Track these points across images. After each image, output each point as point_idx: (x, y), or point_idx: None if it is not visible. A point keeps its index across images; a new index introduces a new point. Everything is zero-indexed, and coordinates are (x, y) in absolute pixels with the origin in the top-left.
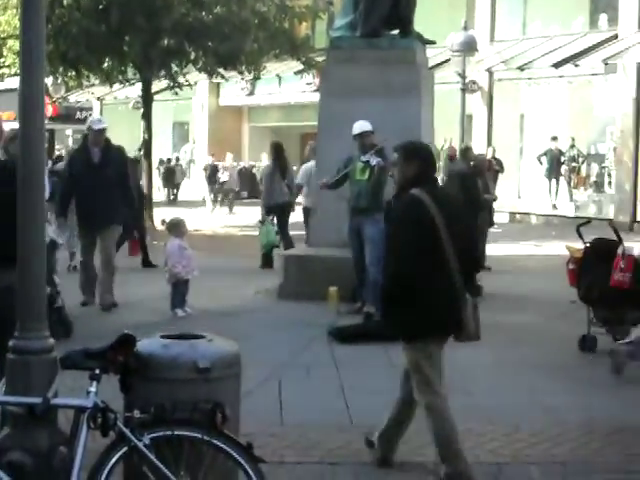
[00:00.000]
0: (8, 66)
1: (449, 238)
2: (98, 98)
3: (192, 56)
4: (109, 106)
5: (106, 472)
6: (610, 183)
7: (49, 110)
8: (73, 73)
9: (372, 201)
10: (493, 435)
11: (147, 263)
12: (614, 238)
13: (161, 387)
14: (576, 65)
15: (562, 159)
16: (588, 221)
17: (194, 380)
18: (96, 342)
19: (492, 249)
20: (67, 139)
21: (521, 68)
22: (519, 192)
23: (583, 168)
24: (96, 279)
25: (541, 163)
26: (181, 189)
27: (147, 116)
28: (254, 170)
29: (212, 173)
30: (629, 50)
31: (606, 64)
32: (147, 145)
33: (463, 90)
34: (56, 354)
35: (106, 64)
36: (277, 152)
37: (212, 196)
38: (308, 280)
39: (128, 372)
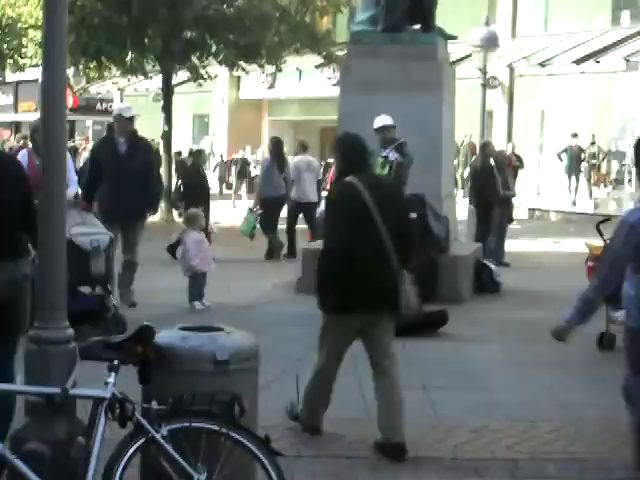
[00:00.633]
0: (30, 57)
1: (382, 221)
2: (119, 89)
3: (213, 49)
4: (129, 98)
5: (123, 463)
6: (630, 180)
7: (70, 101)
8: (94, 64)
9: None
10: (510, 431)
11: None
12: None
13: (179, 379)
14: (597, 62)
15: (582, 156)
16: (608, 218)
17: (212, 372)
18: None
19: (511, 245)
20: (87, 130)
21: (542, 64)
22: (539, 188)
23: (603, 165)
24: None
25: (561, 160)
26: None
27: (167, 108)
28: None
29: (242, 167)
30: None
31: (627, 61)
32: (167, 137)
33: (484, 86)
34: (75, 344)
35: (128, 56)
36: (276, 147)
37: (239, 190)
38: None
39: (147, 363)
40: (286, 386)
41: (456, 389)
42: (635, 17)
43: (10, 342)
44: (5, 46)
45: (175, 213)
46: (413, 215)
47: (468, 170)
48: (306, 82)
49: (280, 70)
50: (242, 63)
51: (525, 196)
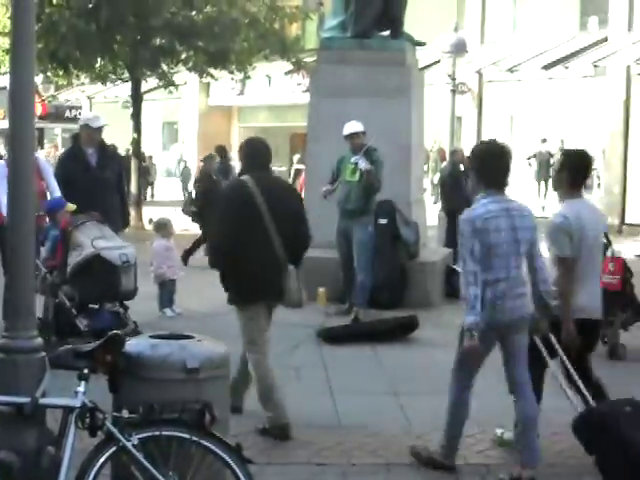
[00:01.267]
0: None
1: (272, 217)
2: (88, 97)
3: (182, 55)
4: (99, 105)
5: (94, 472)
6: (599, 185)
7: (38, 109)
8: (62, 72)
9: (362, 203)
10: (482, 436)
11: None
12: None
13: (150, 387)
14: (566, 67)
15: (551, 161)
16: None
17: (183, 380)
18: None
19: None
20: (56, 138)
21: (511, 70)
22: (508, 194)
23: None
24: None
25: (530, 165)
26: (156, 188)
27: (136, 115)
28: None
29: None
30: (619, 53)
31: (596, 67)
32: (136, 144)
33: (453, 91)
34: (44, 354)
35: (96, 63)
36: (222, 154)
37: None
38: None
39: (117, 372)
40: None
41: (427, 394)
42: (603, 23)
43: None
44: None
45: (145, 221)
46: (383, 221)
47: (438, 176)
48: (276, 88)
49: (249, 77)
50: (211, 70)
51: None
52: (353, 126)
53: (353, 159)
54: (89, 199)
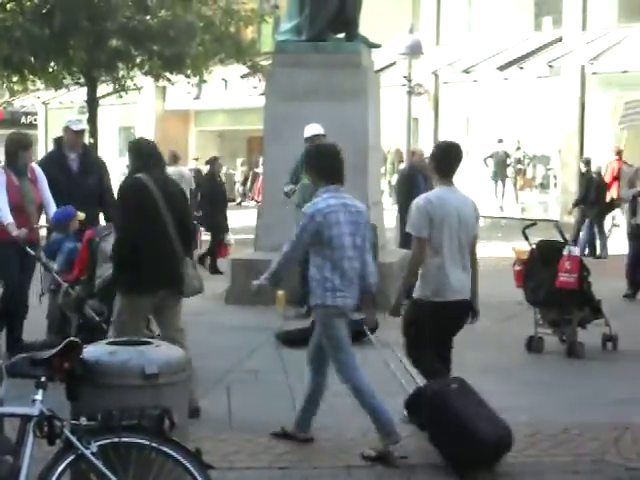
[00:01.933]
0: None
1: (168, 212)
2: (43, 102)
3: (138, 59)
4: (54, 111)
5: None
6: (556, 185)
7: None
8: (17, 77)
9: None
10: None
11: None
12: (559, 239)
13: (108, 394)
14: (521, 68)
15: (508, 161)
16: (534, 223)
17: (141, 386)
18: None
19: None
20: None
21: (466, 71)
22: (466, 194)
23: (529, 170)
24: None
25: (487, 165)
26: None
27: (92, 121)
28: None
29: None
30: (573, 53)
31: (550, 67)
32: (93, 150)
33: (409, 93)
34: (1, 362)
35: (51, 68)
36: (174, 159)
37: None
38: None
39: (74, 379)
40: (217, 398)
41: (387, 395)
42: (557, 23)
43: None
44: None
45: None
46: None
47: (396, 177)
48: (232, 92)
49: (205, 81)
50: (167, 74)
51: None
52: (314, 128)
53: None
54: (60, 201)
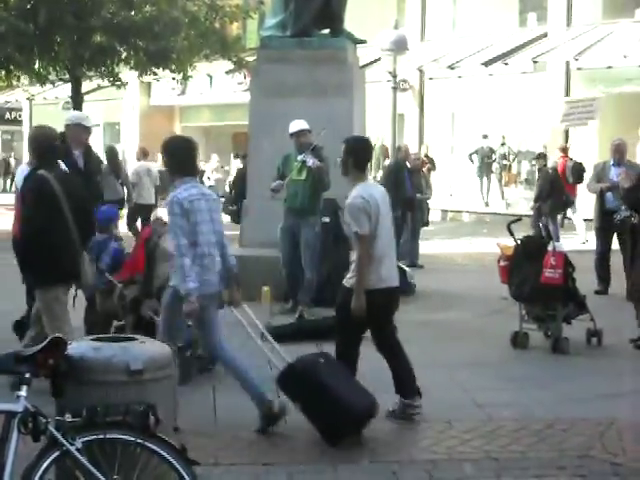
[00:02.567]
0: None
1: (69, 207)
2: (28, 98)
3: (123, 55)
4: (39, 106)
5: (38, 477)
6: None
7: None
8: (2, 73)
9: (309, 202)
10: (427, 433)
11: None
12: (544, 235)
13: (93, 390)
14: (505, 64)
15: (493, 157)
16: (519, 219)
17: (126, 382)
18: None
19: (425, 247)
20: None
21: (451, 67)
22: (451, 190)
23: (514, 166)
24: None
25: (472, 161)
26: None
27: None
28: None
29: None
30: (558, 48)
31: (535, 62)
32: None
33: (394, 89)
34: None
35: (36, 64)
36: (111, 156)
37: None
38: (241, 280)
39: (59, 375)
40: (202, 394)
41: (371, 391)
42: (541, 18)
43: None
44: None
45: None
46: (326, 219)
47: (381, 173)
48: (217, 88)
49: (190, 77)
50: (153, 69)
51: (437, 198)
52: (299, 124)
53: (300, 157)
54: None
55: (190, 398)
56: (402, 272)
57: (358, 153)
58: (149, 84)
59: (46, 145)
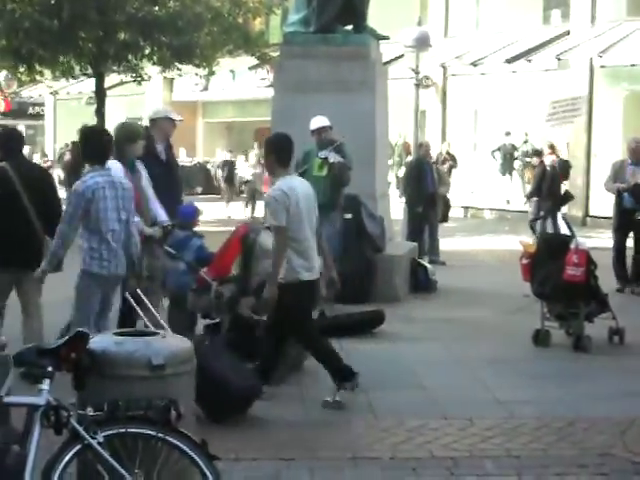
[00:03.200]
0: None
1: (29, 199)
2: (51, 93)
3: (146, 50)
4: (62, 101)
5: (60, 470)
6: None
7: (1, 105)
8: (25, 68)
9: (329, 198)
10: (448, 430)
11: None
12: (567, 233)
13: (115, 384)
14: (529, 61)
15: (515, 154)
16: (541, 216)
17: (148, 377)
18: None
19: (446, 244)
20: None
21: (474, 64)
22: (473, 187)
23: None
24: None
25: (495, 158)
26: None
27: (100, 112)
28: (208, 166)
29: (230, 170)
30: (581, 46)
31: (559, 60)
32: None
33: (417, 85)
34: (8, 352)
35: (60, 59)
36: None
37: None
38: None
39: (81, 369)
40: None
41: (393, 388)
42: (565, 16)
43: None
44: None
45: None
46: (348, 215)
47: (403, 169)
48: (240, 83)
49: (213, 73)
50: (176, 64)
51: (459, 195)
52: (320, 120)
53: (321, 154)
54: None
55: None
56: (424, 269)
57: (279, 150)
58: (172, 80)
59: (7, 137)
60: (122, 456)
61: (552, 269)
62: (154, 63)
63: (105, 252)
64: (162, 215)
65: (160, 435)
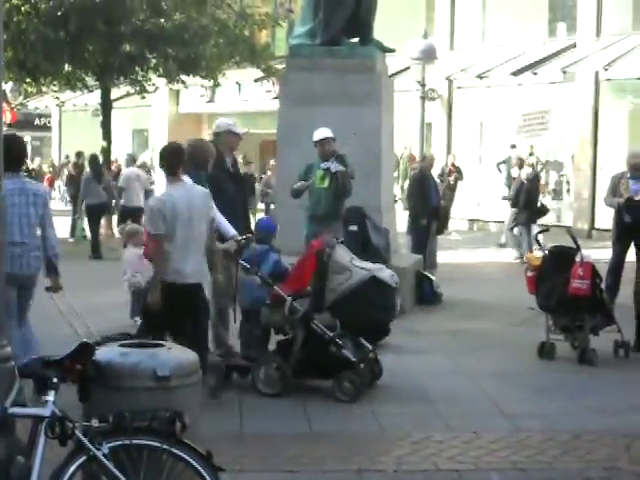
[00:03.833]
0: None
1: None
2: (57, 105)
3: (152, 62)
4: (68, 113)
5: None
6: (568, 191)
7: (8, 117)
8: (30, 80)
9: (332, 209)
10: (453, 442)
11: None
12: (572, 245)
13: (120, 396)
14: (535, 73)
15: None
16: (546, 229)
17: (153, 388)
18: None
19: (451, 256)
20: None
21: (480, 76)
22: (478, 199)
23: (542, 176)
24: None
25: (500, 171)
26: None
27: (106, 123)
28: None
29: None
30: (587, 59)
31: (564, 72)
32: (106, 152)
33: (423, 98)
34: (14, 363)
35: (65, 70)
36: (93, 163)
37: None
38: None
39: (86, 381)
40: (228, 401)
41: (399, 401)
42: (571, 29)
43: None
44: None
45: (116, 229)
46: (353, 227)
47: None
48: (246, 96)
49: (219, 85)
50: (182, 76)
51: (465, 207)
52: (323, 132)
53: (323, 165)
54: (236, 208)
55: (215, 403)
56: (429, 281)
57: (168, 159)
58: (178, 91)
59: None
60: (127, 467)
61: (557, 282)
62: (159, 75)
63: (16, 254)
64: (231, 230)
65: (165, 446)
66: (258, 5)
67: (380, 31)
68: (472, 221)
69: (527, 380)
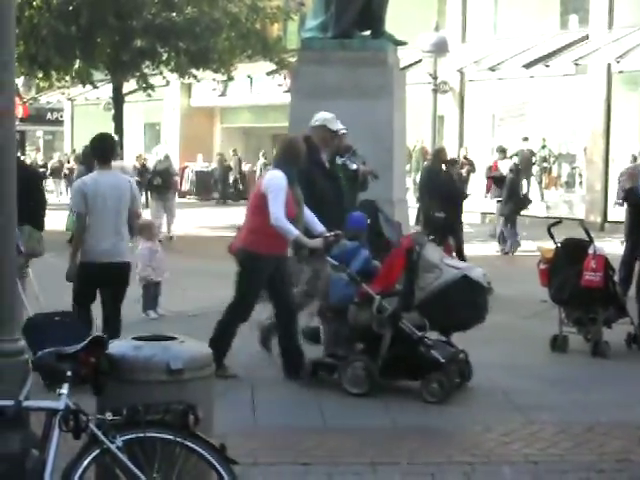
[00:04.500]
0: None
1: None
2: (69, 99)
3: (164, 56)
4: (80, 107)
5: (78, 474)
6: (581, 183)
7: (20, 111)
8: (41, 74)
9: (347, 203)
10: (465, 435)
11: None
12: (585, 238)
13: (133, 389)
14: (547, 66)
15: (533, 159)
16: (559, 221)
17: (166, 382)
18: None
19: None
20: (38, 141)
21: (492, 69)
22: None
23: (554, 168)
24: None
25: None
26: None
27: (118, 117)
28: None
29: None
30: (599, 51)
31: (577, 65)
32: (118, 146)
33: (435, 91)
34: (27, 356)
35: (77, 65)
36: (87, 157)
37: None
38: None
39: (100, 374)
40: (242, 394)
41: (411, 394)
42: (583, 21)
43: None
44: None
45: None
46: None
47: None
48: (257, 89)
49: (231, 78)
50: (193, 70)
51: (477, 200)
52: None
53: (340, 160)
54: (329, 214)
55: (228, 396)
56: None
57: (97, 148)
58: (190, 85)
59: None
60: (141, 460)
61: (570, 274)
62: (171, 69)
63: None
64: (318, 226)
65: (179, 439)
66: None
67: (392, 24)
68: (484, 214)
69: (540, 373)
